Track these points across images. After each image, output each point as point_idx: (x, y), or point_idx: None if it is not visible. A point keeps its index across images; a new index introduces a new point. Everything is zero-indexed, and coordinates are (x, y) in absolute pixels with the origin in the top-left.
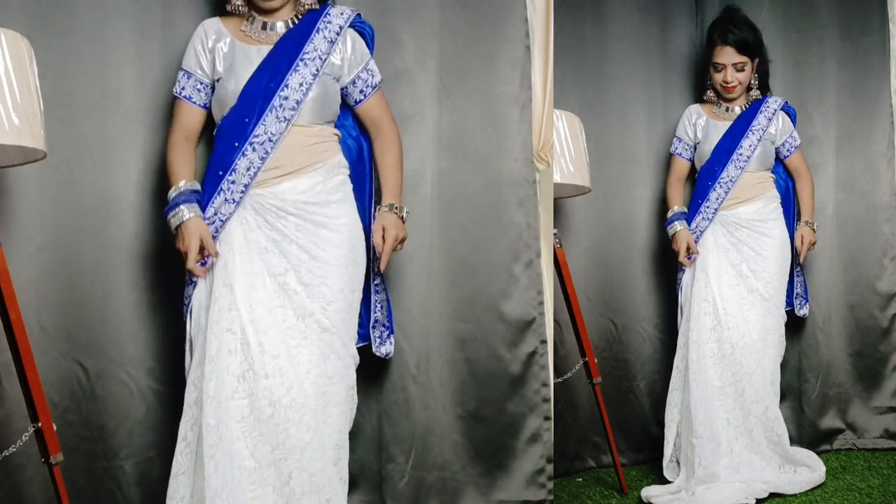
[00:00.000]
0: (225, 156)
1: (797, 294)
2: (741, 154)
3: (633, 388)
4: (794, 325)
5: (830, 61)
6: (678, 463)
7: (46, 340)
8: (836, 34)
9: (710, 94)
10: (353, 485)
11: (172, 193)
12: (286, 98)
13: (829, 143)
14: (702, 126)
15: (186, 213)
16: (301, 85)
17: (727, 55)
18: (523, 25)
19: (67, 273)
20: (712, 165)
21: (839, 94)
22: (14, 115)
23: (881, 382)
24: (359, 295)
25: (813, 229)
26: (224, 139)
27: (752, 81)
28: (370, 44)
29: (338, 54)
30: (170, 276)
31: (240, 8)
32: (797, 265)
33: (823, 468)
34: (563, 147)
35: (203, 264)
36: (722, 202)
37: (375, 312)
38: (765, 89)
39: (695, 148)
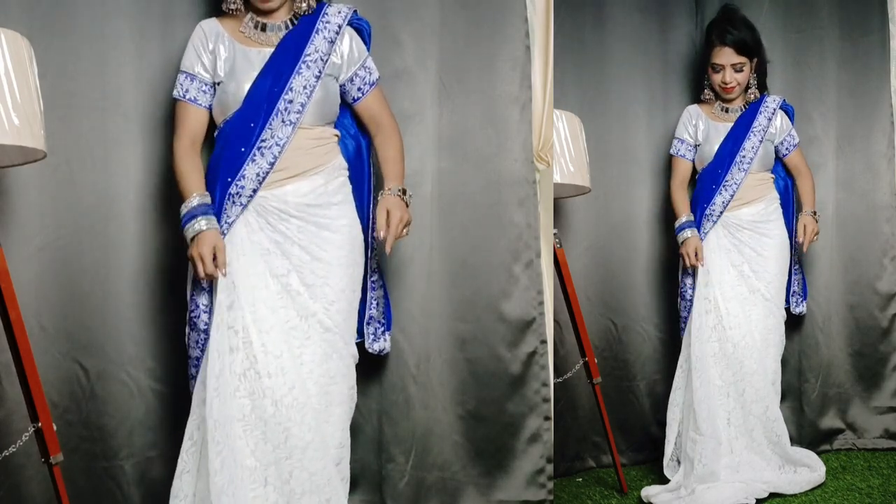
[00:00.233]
0: (232, 162)
1: (794, 292)
2: (744, 156)
3: (633, 388)
4: (794, 325)
5: (830, 61)
6: (678, 462)
7: (46, 340)
8: (836, 34)
9: (707, 94)
10: (353, 485)
11: (186, 207)
12: (291, 101)
13: (829, 143)
14: (702, 128)
15: (204, 224)
16: (305, 88)
17: (726, 56)
18: (523, 25)
19: (67, 273)
20: (715, 168)
21: (839, 94)
22: (14, 115)
23: (881, 382)
24: (358, 294)
25: (815, 219)
26: (229, 144)
27: (751, 81)
28: (368, 40)
29: (337, 53)
30: (170, 276)
31: (236, 9)
32: (795, 262)
33: (823, 468)
34: (563, 147)
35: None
36: (727, 205)
37: (371, 309)
38: (762, 89)
39: (696, 149)
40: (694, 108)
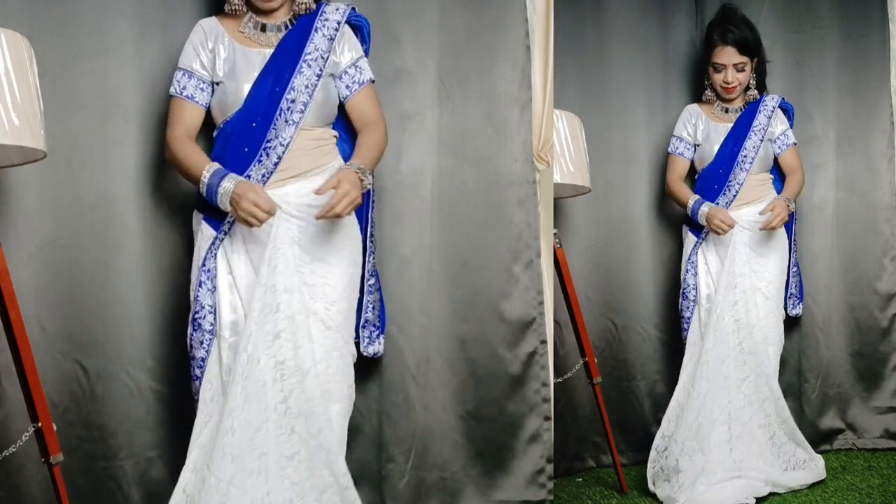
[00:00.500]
0: (236, 162)
1: (791, 294)
2: (745, 156)
3: (633, 388)
4: (794, 325)
5: (830, 61)
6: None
7: (46, 340)
8: (836, 34)
9: (708, 94)
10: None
11: (204, 184)
12: (293, 101)
13: (829, 143)
14: (701, 128)
15: (231, 184)
16: (307, 87)
17: (728, 55)
18: (523, 25)
19: (67, 273)
20: (716, 168)
21: (839, 94)
22: (14, 115)
23: (881, 382)
24: (357, 294)
25: (788, 206)
26: (231, 145)
27: (751, 81)
28: (367, 38)
29: (336, 51)
30: (170, 276)
31: (238, 9)
32: (794, 265)
33: (824, 468)
34: (563, 147)
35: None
36: (729, 206)
37: (367, 312)
38: (762, 89)
39: (695, 148)
40: (694, 108)
